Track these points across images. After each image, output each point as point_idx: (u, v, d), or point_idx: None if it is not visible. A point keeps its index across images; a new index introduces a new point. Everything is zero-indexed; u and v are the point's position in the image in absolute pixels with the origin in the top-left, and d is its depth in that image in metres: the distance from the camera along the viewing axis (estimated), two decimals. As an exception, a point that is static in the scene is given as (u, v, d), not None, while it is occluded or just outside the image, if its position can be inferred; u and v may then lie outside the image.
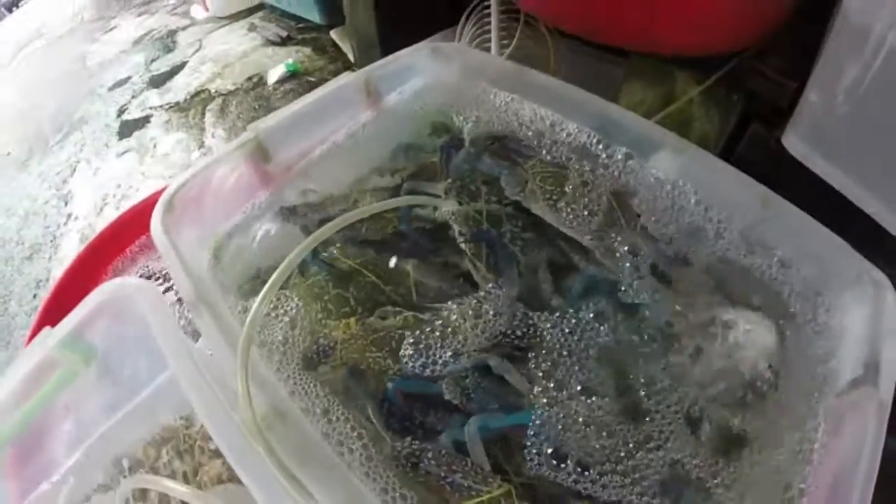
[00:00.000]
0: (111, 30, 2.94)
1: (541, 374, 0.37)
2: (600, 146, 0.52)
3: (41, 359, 0.44)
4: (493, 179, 0.50)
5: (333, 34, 1.67)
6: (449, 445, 0.37)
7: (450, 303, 0.41)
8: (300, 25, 1.92)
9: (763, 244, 0.47)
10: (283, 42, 1.87)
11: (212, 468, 0.49)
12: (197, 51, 2.14)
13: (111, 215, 1.47)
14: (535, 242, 0.47)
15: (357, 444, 0.35)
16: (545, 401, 0.35)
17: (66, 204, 1.62)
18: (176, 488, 0.37)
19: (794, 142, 0.81)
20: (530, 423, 0.35)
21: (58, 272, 1.40)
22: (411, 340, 0.38)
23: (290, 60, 1.68)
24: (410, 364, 0.38)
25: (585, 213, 0.46)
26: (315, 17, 1.72)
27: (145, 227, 0.46)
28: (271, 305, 0.43)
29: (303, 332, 0.41)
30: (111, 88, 2.19)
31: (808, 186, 0.77)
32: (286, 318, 0.42)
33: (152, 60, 2.24)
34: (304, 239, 0.46)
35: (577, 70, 1.04)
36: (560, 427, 0.34)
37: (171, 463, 0.52)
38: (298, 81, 1.65)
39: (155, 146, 1.70)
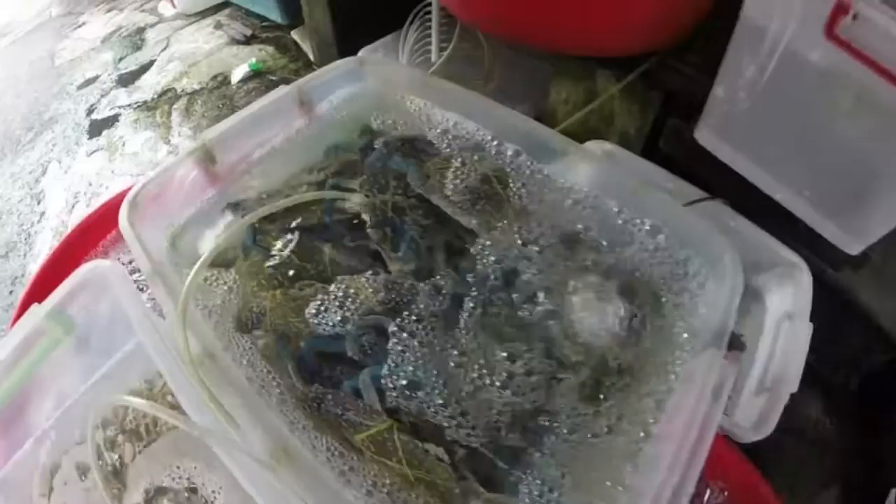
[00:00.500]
0: (80, 26, 3.01)
1: (399, 327, 0.50)
2: (494, 142, 0.65)
3: (31, 328, 0.57)
4: (402, 175, 0.63)
5: (294, 34, 1.79)
6: (349, 391, 0.49)
7: (355, 276, 0.54)
8: (264, 24, 2.03)
9: (632, 224, 0.59)
10: (248, 41, 1.98)
11: (175, 433, 0.62)
12: (164, 49, 2.25)
13: (83, 213, 1.58)
14: (433, 227, 0.60)
15: (273, 386, 0.48)
16: (400, 348, 0.48)
17: (38, 203, 1.73)
18: (134, 401, 0.49)
19: (705, 134, 0.94)
20: (386, 366, 0.47)
21: (33, 268, 1.51)
22: (317, 303, 0.51)
23: (254, 60, 1.80)
24: (313, 321, 0.50)
25: (468, 197, 0.59)
26: (276, 16, 1.83)
27: (114, 223, 0.58)
28: (214, 279, 0.55)
29: (237, 300, 0.54)
30: (80, 87, 2.28)
31: (728, 176, 0.92)
32: (225, 288, 0.54)
33: (121, 59, 2.33)
34: (244, 228, 0.59)
35: (512, 68, 1.18)
36: (411, 368, 0.47)
37: (135, 419, 0.65)
38: (261, 80, 1.77)
39: (124, 145, 1.81)
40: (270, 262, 0.58)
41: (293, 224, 0.62)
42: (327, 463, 0.44)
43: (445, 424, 0.46)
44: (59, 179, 1.78)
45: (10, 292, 1.50)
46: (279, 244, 0.59)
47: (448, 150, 0.65)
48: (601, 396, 0.51)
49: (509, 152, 0.65)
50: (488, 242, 0.56)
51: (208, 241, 0.61)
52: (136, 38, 2.48)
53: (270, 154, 0.68)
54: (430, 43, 1.15)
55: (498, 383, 0.48)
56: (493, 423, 0.48)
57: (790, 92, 0.80)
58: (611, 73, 1.04)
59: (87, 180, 1.72)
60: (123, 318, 0.57)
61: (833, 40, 0.70)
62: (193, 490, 0.57)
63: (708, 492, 0.75)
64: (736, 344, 0.94)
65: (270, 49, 1.92)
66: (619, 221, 0.59)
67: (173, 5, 2.52)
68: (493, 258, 0.55)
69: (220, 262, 0.59)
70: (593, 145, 0.97)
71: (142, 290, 0.86)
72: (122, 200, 0.59)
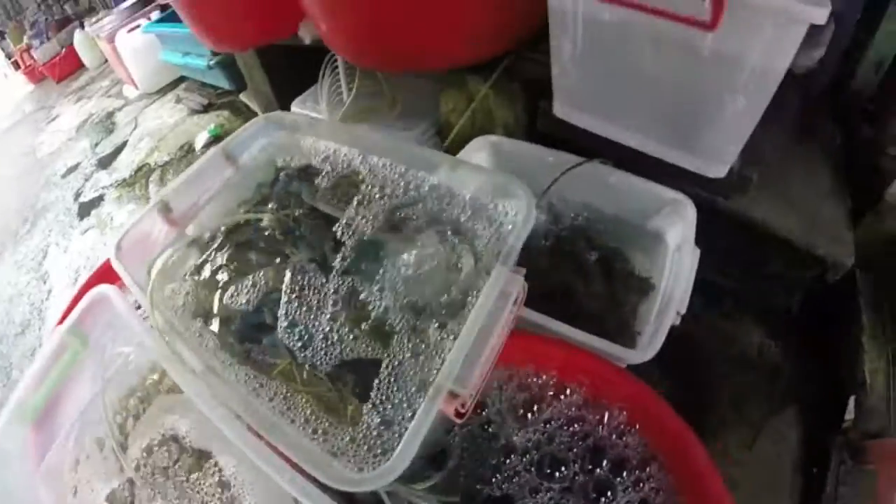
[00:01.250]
0: (53, 119, 3.40)
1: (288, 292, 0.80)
2: (359, 156, 0.95)
3: (56, 344, 0.88)
4: (298, 194, 0.94)
5: (243, 96, 2.14)
6: (268, 345, 0.79)
7: (267, 269, 0.85)
8: (218, 92, 2.39)
9: (451, 194, 0.88)
10: (206, 109, 2.34)
11: (161, 398, 0.93)
12: (134, 129, 2.62)
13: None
14: (323, 225, 0.90)
15: (212, 342, 0.79)
16: (288, 301, 0.79)
17: (45, 282, 2.07)
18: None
19: (559, 108, 1.20)
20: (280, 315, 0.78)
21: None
22: (232, 289, 0.82)
23: (212, 126, 2.15)
24: (236, 301, 0.81)
25: (334, 193, 0.90)
26: (225, 84, 2.18)
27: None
28: (178, 289, 0.86)
29: (193, 301, 0.85)
30: (64, 175, 2.64)
31: (602, 141, 1.14)
32: (184, 293, 0.85)
33: (96, 144, 2.71)
34: (196, 254, 0.91)
35: (410, 92, 1.50)
36: (294, 314, 0.78)
37: (136, 405, 0.95)
38: (220, 142, 2.13)
39: (112, 220, 2.16)
40: (215, 271, 0.89)
41: (228, 244, 0.93)
42: (244, 384, 0.75)
43: (313, 356, 0.76)
44: (59, 259, 2.12)
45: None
46: (220, 259, 0.91)
47: (331, 170, 0.96)
48: (428, 325, 0.75)
49: (370, 160, 0.94)
50: (345, 221, 0.86)
51: (170, 264, 0.93)
52: (107, 123, 2.86)
53: (211, 199, 0.99)
54: (341, 86, 1.48)
55: (347, 328, 0.77)
56: (351, 352, 0.76)
57: (601, 53, 1.00)
58: (479, 76, 1.33)
59: (84, 256, 2.06)
60: (123, 331, 0.89)
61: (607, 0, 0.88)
62: (174, 438, 0.87)
63: (607, 413, 0.85)
64: (644, 287, 1.15)
65: (226, 113, 2.28)
66: (443, 190, 0.87)
67: (136, 87, 2.89)
68: (350, 232, 0.85)
69: (180, 277, 0.90)
70: (481, 140, 1.24)
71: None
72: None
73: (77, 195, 2.42)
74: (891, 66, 1.36)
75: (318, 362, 0.76)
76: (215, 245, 0.92)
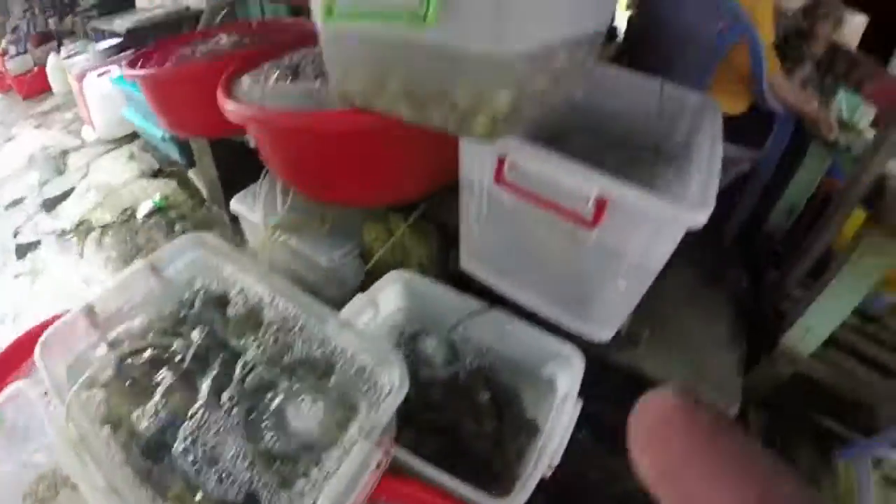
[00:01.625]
0: (10, 139, 3.45)
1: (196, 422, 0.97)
2: (269, 298, 1.14)
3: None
4: (212, 323, 1.11)
5: (191, 173, 2.30)
6: (168, 466, 0.95)
7: (174, 392, 1.02)
8: (170, 159, 2.55)
9: (337, 351, 1.06)
10: (156, 174, 2.49)
11: (66, 492, 1.07)
12: (84, 176, 2.73)
13: (6, 333, 1.99)
14: (230, 360, 1.07)
15: (117, 458, 0.94)
16: (185, 431, 0.95)
17: (-33, 324, 2.14)
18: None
19: (465, 259, 1.36)
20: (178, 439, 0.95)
21: (-35, 382, 1.90)
22: (141, 406, 0.98)
23: (157, 196, 2.29)
24: (137, 417, 0.97)
25: (246, 334, 1.07)
26: (176, 156, 2.34)
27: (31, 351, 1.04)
28: (93, 396, 1.01)
29: (106, 409, 1.00)
30: (7, 207, 2.72)
31: None
32: (98, 400, 1.01)
33: (44, 183, 2.80)
34: (114, 363, 1.07)
35: (342, 211, 1.68)
36: (189, 442, 0.94)
37: (44, 492, 1.09)
38: (162, 215, 2.26)
39: (45, 268, 2.25)
40: (129, 384, 1.05)
41: (144, 361, 1.09)
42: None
43: (204, 484, 0.92)
44: (-14, 303, 2.20)
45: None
46: (135, 373, 1.06)
47: (241, 302, 1.14)
48: (295, 481, 0.92)
49: (277, 302, 1.13)
50: (243, 359, 1.04)
51: (89, 371, 1.08)
52: (59, 162, 2.96)
53: (135, 308, 1.16)
54: (277, 195, 1.66)
55: (227, 473, 0.94)
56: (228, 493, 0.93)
57: (502, 223, 1.15)
58: (400, 214, 1.52)
59: (11, 302, 2.14)
60: (37, 428, 1.04)
61: (503, 185, 1.00)
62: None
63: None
64: (532, 430, 1.28)
65: (173, 184, 2.42)
66: (332, 347, 1.06)
67: (94, 129, 3.00)
68: (245, 370, 1.03)
69: (98, 383, 1.06)
70: (395, 275, 1.39)
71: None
72: (38, 331, 1.04)
73: (16, 233, 2.50)
74: (802, 211, 1.54)
75: (209, 491, 0.92)
76: (132, 360, 1.08)
